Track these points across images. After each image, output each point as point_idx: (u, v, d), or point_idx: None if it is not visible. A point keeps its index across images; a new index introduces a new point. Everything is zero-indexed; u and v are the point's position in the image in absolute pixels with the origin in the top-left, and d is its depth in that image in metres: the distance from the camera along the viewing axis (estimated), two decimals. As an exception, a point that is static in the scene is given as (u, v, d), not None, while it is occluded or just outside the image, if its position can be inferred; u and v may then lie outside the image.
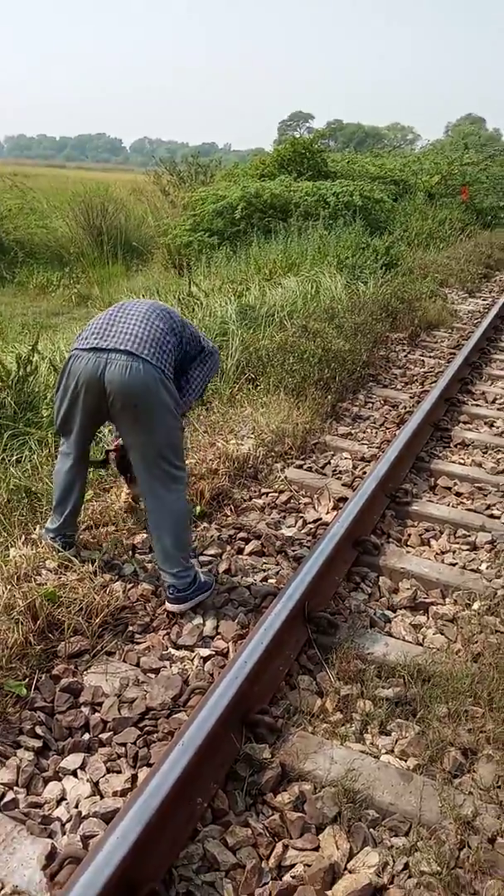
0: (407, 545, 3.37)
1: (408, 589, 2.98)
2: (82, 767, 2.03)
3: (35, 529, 3.09)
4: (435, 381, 5.52)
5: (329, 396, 4.90)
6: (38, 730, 2.11)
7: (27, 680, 2.25)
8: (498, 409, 5.26)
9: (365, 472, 3.96)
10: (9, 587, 2.52)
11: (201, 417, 4.49)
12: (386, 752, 2.16)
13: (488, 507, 3.73)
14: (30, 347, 4.43)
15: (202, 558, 3.04)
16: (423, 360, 6.32)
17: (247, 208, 11.74)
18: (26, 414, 3.99)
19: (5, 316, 8.64)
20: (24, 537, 3.03)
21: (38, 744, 2.07)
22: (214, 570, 2.96)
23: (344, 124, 66.57)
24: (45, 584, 2.65)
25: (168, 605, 2.66)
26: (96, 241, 12.04)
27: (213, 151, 66.08)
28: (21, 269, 11.29)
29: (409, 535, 3.43)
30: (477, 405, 5.32)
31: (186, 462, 3.76)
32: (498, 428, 4.88)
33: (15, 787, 1.95)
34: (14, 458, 3.60)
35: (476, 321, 7.89)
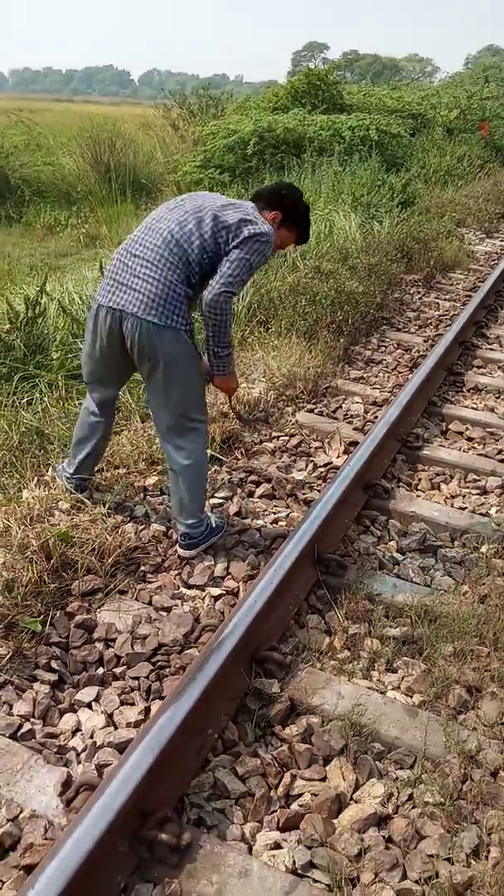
0: (417, 489, 3.37)
1: (417, 532, 2.99)
2: (97, 700, 2.10)
3: (47, 472, 3.11)
4: (450, 325, 5.43)
5: (341, 340, 4.84)
6: (54, 664, 2.17)
7: (42, 617, 2.30)
8: (513, 354, 5.17)
9: (376, 417, 3.93)
10: (22, 527, 2.55)
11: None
12: (392, 689, 2.21)
13: (500, 451, 3.71)
14: (38, 289, 4.38)
15: (213, 500, 3.06)
16: (437, 303, 6.19)
17: (259, 143, 11.36)
18: (36, 356, 3.97)
19: (13, 257, 8.52)
20: (36, 479, 3.05)
21: (53, 677, 2.13)
22: (225, 512, 2.98)
23: (360, 55, 63.75)
24: (58, 524, 2.68)
25: (180, 551, 2.70)
26: (104, 178, 11.71)
27: (224, 84, 63.65)
28: (28, 209, 11.07)
29: (420, 480, 3.43)
30: (491, 349, 5.23)
31: None
32: (512, 372, 4.81)
33: (31, 719, 2.01)
34: (25, 400, 3.60)
35: (493, 263, 7.70)
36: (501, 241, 9.04)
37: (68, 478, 2.90)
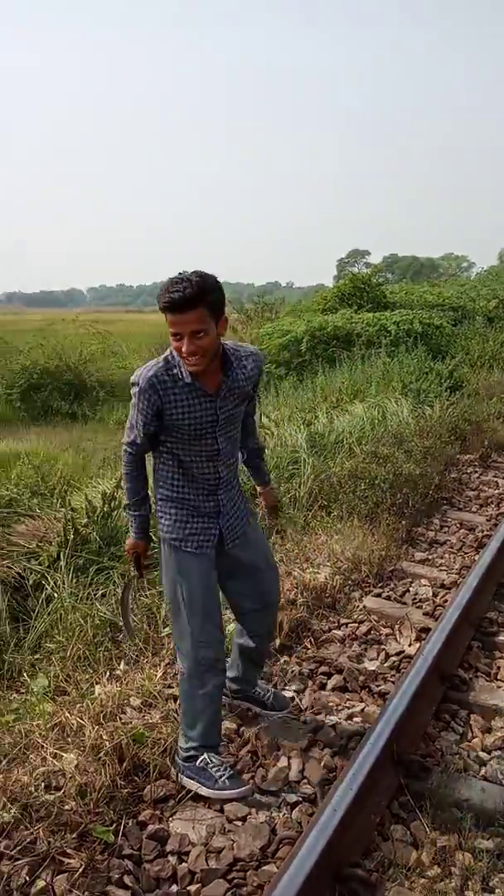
0: (497, 679, 3.23)
1: (501, 728, 2.83)
2: (170, 923, 1.96)
3: (119, 665, 3.14)
4: (511, 503, 5.45)
5: (403, 521, 4.91)
6: (126, 879, 2.06)
7: (114, 826, 2.23)
8: None
9: (446, 601, 3.87)
10: (96, 727, 2.55)
11: (276, 546, 4.56)
12: (492, 914, 2.00)
13: None
14: (114, 483, 4.69)
15: (284, 693, 2.99)
16: (496, 482, 6.27)
17: (311, 340, 12.34)
18: (110, 548, 4.16)
19: (88, 451, 9.15)
20: (108, 673, 3.08)
21: (126, 894, 2.02)
22: (297, 706, 2.90)
23: (399, 257, 69.94)
24: (130, 722, 2.67)
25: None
26: (171, 378, 12.80)
27: (276, 289, 70.26)
28: (102, 407, 12.06)
29: (499, 668, 3.29)
30: None
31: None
32: None
33: (103, 946, 1.89)
34: (99, 592, 3.73)
35: (548, 439, 7.82)
36: (554, 417, 9.23)
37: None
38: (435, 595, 4.00)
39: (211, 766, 2.39)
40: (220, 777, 2.36)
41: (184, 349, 2.15)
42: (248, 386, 2.39)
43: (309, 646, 3.42)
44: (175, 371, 2.23)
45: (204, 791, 2.37)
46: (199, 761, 2.40)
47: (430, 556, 4.59)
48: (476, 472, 6.58)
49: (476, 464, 6.81)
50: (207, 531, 2.40)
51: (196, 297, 2.08)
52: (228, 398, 2.32)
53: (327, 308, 15.33)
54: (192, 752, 2.43)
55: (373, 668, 3.23)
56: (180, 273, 2.12)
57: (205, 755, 2.41)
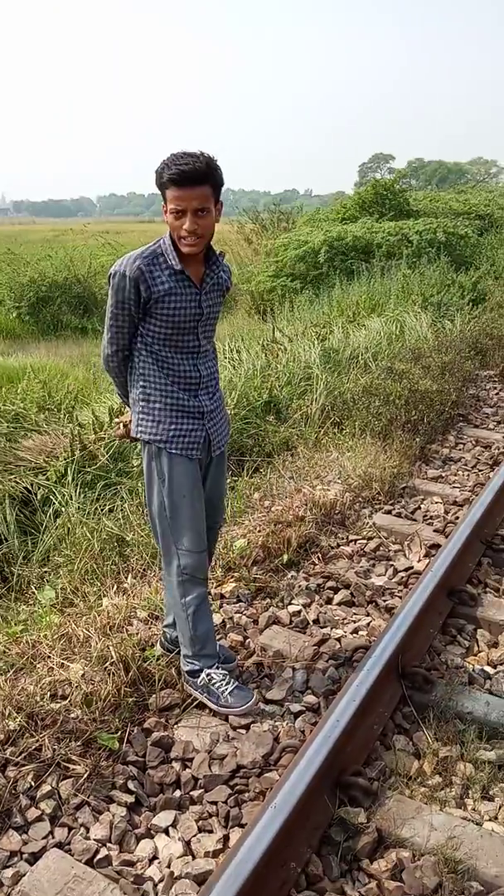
0: (505, 595, 3.21)
1: (508, 642, 2.82)
2: (174, 825, 2.01)
3: (127, 579, 3.15)
4: (529, 420, 5.31)
5: (417, 439, 4.80)
6: (131, 784, 2.11)
7: (119, 733, 2.26)
8: None
9: (457, 518, 3.82)
10: (102, 638, 2.57)
11: (286, 463, 4.50)
12: (489, 819, 2.03)
13: None
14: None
15: (290, 607, 3.00)
16: (515, 398, 6.10)
17: (329, 251, 11.88)
18: (118, 464, 4.12)
19: (98, 367, 9.02)
20: (115, 586, 3.10)
21: (130, 799, 2.07)
22: (303, 619, 2.91)
23: (426, 162, 66.60)
24: (136, 634, 2.69)
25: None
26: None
27: (294, 198, 67.62)
28: (113, 322, 11.81)
29: (508, 584, 3.27)
30: None
31: (267, 508, 3.72)
32: None
33: (108, 844, 1.95)
34: (107, 507, 3.71)
35: None
36: None
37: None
38: (446, 512, 3.95)
39: (213, 682, 2.39)
40: (224, 692, 2.37)
41: (185, 226, 2.08)
42: (224, 287, 2.35)
43: (317, 561, 3.40)
44: (162, 258, 2.16)
45: (210, 705, 2.39)
46: (200, 679, 2.41)
47: (443, 474, 4.52)
48: (495, 388, 6.40)
49: (496, 380, 6.62)
50: (193, 433, 2.29)
51: (205, 173, 2.05)
52: (211, 292, 2.28)
53: (347, 217, 14.70)
54: (192, 667, 2.43)
55: (380, 584, 3.22)
56: (183, 150, 2.05)
57: (205, 672, 2.40)
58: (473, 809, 2.07)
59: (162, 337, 2.21)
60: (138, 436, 2.31)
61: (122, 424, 2.51)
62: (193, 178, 2.02)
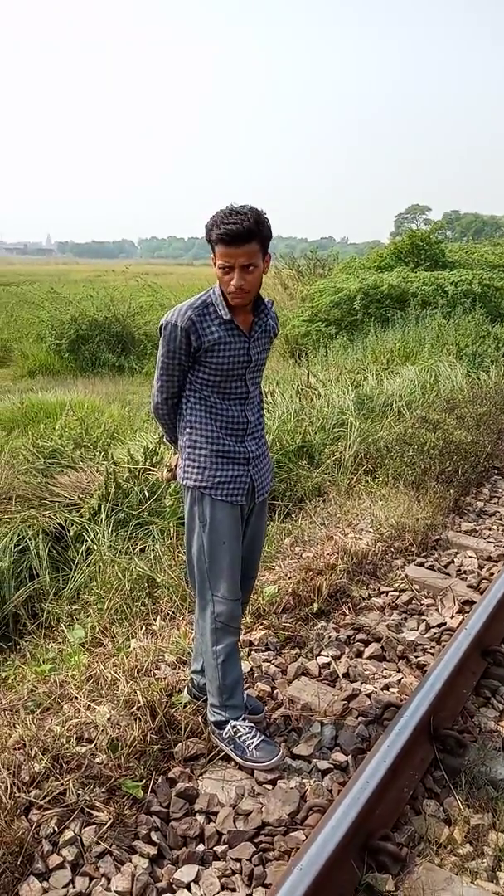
0: (541, 657, 3.12)
1: (544, 707, 2.73)
2: (196, 881, 1.96)
3: (156, 621, 3.14)
4: None
5: (451, 490, 4.76)
6: (154, 836, 2.07)
7: (143, 781, 2.23)
8: None
9: (492, 574, 3.75)
10: (130, 681, 2.55)
11: (318, 509, 4.48)
12: (524, 898, 1.94)
13: None
14: (157, 438, 4.65)
15: (320, 659, 2.95)
16: (551, 452, 6.02)
17: (364, 298, 11.99)
18: (150, 503, 4.15)
19: (133, 404, 9.16)
20: (144, 628, 3.09)
21: (153, 851, 2.03)
22: (333, 672, 2.86)
23: (461, 214, 67.35)
24: (164, 678, 2.66)
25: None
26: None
27: (330, 245, 68.73)
28: (149, 361, 12.02)
29: (544, 646, 3.18)
30: None
31: (298, 554, 3.68)
32: None
33: (129, 897, 1.90)
34: (139, 547, 3.72)
35: None
36: None
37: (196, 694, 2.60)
38: (481, 567, 3.88)
39: (239, 735, 2.34)
40: (249, 746, 2.32)
41: (234, 282, 2.13)
42: (272, 333, 2.40)
43: (347, 612, 3.36)
44: (212, 308, 2.21)
45: (235, 758, 2.35)
46: (226, 731, 2.37)
47: (477, 527, 4.45)
48: (530, 441, 6.33)
49: (531, 433, 6.55)
50: (238, 479, 2.30)
51: (253, 231, 2.08)
52: (260, 339, 2.32)
53: (382, 266, 14.86)
54: (218, 718, 2.40)
55: (412, 639, 3.15)
56: (231, 205, 2.11)
57: (231, 724, 2.36)
58: (506, 884, 1.99)
59: (211, 384, 2.25)
60: (184, 482, 2.33)
61: (167, 468, 2.55)
62: (241, 236, 2.07)
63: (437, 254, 15.00)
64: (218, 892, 1.93)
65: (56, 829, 2.02)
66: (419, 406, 6.31)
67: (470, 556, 4.01)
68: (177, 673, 2.73)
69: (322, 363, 9.39)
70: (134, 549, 3.72)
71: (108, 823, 2.06)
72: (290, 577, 3.48)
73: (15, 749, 2.23)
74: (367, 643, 3.11)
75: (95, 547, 3.74)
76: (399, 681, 2.84)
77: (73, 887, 1.91)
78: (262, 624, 3.16)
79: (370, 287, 12.19)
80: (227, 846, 2.05)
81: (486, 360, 8.31)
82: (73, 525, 3.98)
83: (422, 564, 3.88)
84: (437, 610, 3.44)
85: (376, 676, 2.88)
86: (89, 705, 2.45)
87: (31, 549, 3.80)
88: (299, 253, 21.53)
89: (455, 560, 3.97)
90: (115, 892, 1.91)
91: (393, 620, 3.31)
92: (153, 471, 4.30)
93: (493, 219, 65.14)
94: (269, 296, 14.88)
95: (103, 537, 3.78)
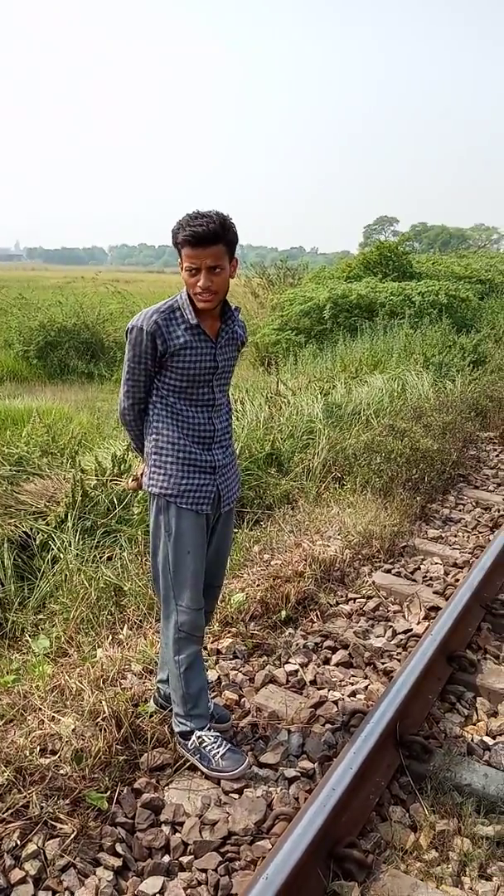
0: (505, 662, 3.16)
1: (508, 712, 2.77)
2: (161, 892, 1.94)
3: (122, 629, 3.11)
4: (529, 483, 5.33)
5: (418, 497, 4.81)
6: (118, 847, 2.04)
7: (108, 792, 2.20)
8: None
9: (457, 580, 3.80)
10: (95, 692, 2.52)
11: (287, 516, 4.49)
12: (487, 902, 1.96)
13: None
14: (125, 445, 4.62)
15: (287, 667, 2.95)
16: (515, 460, 6.13)
17: (333, 308, 12.11)
18: (118, 511, 4.11)
19: (102, 412, 9.09)
20: (110, 637, 3.05)
21: (117, 863, 2.00)
22: (300, 679, 2.86)
23: (429, 226, 68.39)
24: (130, 688, 2.64)
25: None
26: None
27: (300, 255, 69.24)
28: (118, 368, 11.93)
29: (508, 651, 3.22)
30: None
31: (266, 562, 3.69)
32: None
33: (92, 911, 1.87)
34: (105, 556, 3.69)
35: None
36: None
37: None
38: (446, 573, 3.92)
39: (204, 745, 2.33)
40: (215, 755, 2.31)
41: (200, 283, 2.14)
42: (240, 341, 2.40)
43: (315, 619, 3.37)
44: (179, 313, 2.21)
45: (201, 768, 2.33)
46: (191, 741, 2.35)
47: (443, 534, 4.51)
48: (495, 450, 6.44)
49: (496, 441, 6.67)
50: (204, 487, 2.29)
51: (218, 233, 2.10)
52: (227, 346, 2.32)
53: (351, 276, 15.02)
54: (183, 728, 2.38)
55: (379, 645, 3.17)
56: (198, 210, 2.13)
57: (196, 734, 2.34)
58: (471, 888, 2.00)
59: (177, 389, 2.25)
60: (149, 489, 2.32)
61: (132, 478, 2.53)
62: (207, 238, 2.08)
63: (404, 265, 15.21)
64: (183, 904, 1.91)
65: (18, 842, 1.98)
66: (387, 414, 6.38)
67: (436, 563, 4.05)
68: (143, 682, 2.71)
69: (292, 371, 9.44)
70: (101, 557, 3.68)
71: (73, 836, 2.03)
72: (258, 585, 3.48)
73: (-24, 762, 2.19)
74: (334, 650, 3.12)
75: (62, 555, 3.69)
76: (366, 687, 2.85)
77: (36, 902, 1.87)
78: (229, 632, 3.16)
79: (339, 297, 12.31)
80: (192, 856, 2.04)
81: (452, 370, 8.43)
82: (39, 533, 3.93)
83: (389, 571, 3.92)
84: (404, 616, 3.47)
85: (343, 683, 2.89)
86: (53, 716, 2.42)
87: (-4, 557, 3.73)
88: (269, 262, 21.64)
89: (421, 566, 4.02)
90: (79, 906, 1.88)
91: (360, 627, 3.32)
92: (120, 480, 4.27)
93: (459, 231, 66.31)
94: (239, 304, 14.90)
95: (70, 546, 3.73)
